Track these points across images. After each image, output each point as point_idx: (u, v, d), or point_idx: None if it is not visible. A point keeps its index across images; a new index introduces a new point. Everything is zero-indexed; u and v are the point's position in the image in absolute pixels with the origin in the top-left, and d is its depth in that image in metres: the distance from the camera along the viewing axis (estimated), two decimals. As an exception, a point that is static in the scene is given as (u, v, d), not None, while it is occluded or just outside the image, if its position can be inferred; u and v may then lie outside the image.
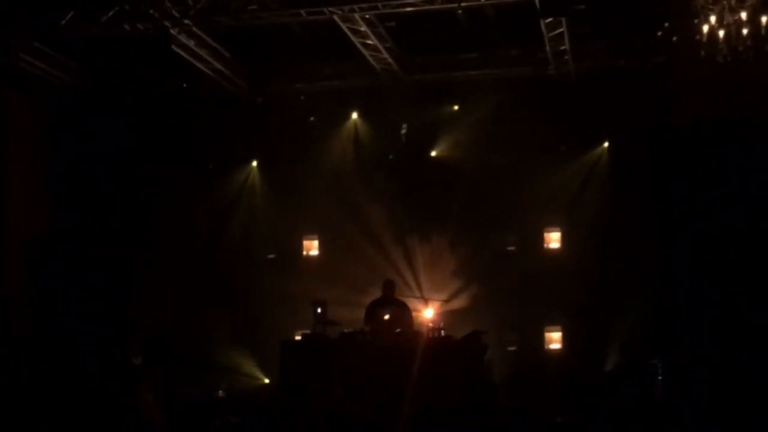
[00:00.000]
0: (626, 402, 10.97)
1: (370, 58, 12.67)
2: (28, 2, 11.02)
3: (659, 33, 9.97)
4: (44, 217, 13.02)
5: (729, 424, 9.90)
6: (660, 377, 11.30)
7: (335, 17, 11.20)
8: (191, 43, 12.08)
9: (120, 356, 12.40)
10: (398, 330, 11.78)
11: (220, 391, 11.70)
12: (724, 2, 8.13)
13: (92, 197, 13.80)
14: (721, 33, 8.20)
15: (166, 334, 13.22)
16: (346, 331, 11.82)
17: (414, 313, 12.34)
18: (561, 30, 11.60)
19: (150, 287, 13.76)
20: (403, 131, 13.67)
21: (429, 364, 11.07)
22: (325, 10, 10.98)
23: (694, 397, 10.81)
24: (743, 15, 8.13)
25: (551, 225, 13.38)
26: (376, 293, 12.58)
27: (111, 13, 11.06)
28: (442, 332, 11.72)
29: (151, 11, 11.06)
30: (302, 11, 11.03)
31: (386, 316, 11.92)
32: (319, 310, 12.16)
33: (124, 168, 14.06)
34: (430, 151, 13.75)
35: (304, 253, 14.04)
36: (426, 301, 12.58)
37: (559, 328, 13.13)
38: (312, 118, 13.99)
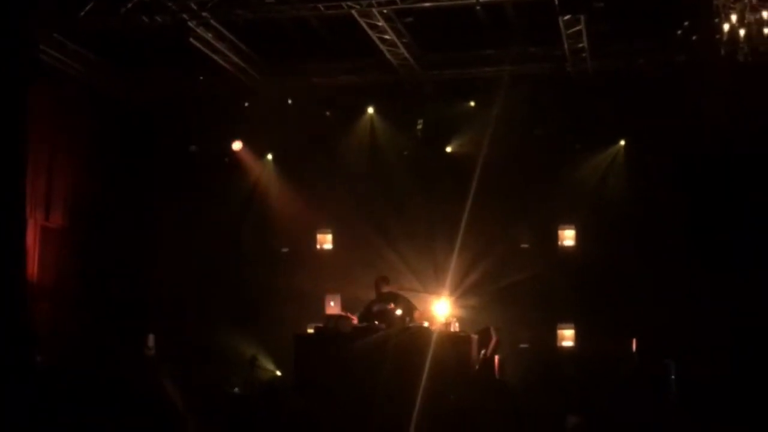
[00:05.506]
0: (639, 401, 10.94)
1: (388, 54, 12.66)
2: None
3: (679, 32, 9.92)
4: (61, 211, 13.06)
5: (744, 424, 9.85)
6: (673, 377, 11.27)
7: (353, 12, 11.19)
8: (209, 36, 12.11)
9: (135, 347, 12.49)
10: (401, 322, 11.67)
11: (236, 388, 11.74)
12: (745, 1, 8.09)
13: (108, 190, 13.84)
14: (742, 32, 8.17)
15: (180, 328, 13.30)
16: (358, 324, 11.84)
17: (426, 309, 12.33)
18: (579, 28, 11.56)
19: (164, 281, 13.81)
20: (419, 127, 13.68)
21: (440, 360, 11.07)
22: (343, 4, 10.98)
23: (708, 397, 10.77)
24: (765, 14, 8.09)
25: (566, 222, 13.37)
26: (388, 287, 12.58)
27: (130, 5, 11.11)
28: (456, 327, 11.72)
29: (170, 3, 11.10)
30: (320, 5, 11.03)
31: (374, 309, 11.92)
32: (332, 304, 12.18)
33: (139, 161, 14.13)
34: (445, 147, 13.76)
35: (318, 246, 14.06)
36: (438, 296, 12.63)
37: (571, 325, 13.10)
38: (328, 113, 14.01)
